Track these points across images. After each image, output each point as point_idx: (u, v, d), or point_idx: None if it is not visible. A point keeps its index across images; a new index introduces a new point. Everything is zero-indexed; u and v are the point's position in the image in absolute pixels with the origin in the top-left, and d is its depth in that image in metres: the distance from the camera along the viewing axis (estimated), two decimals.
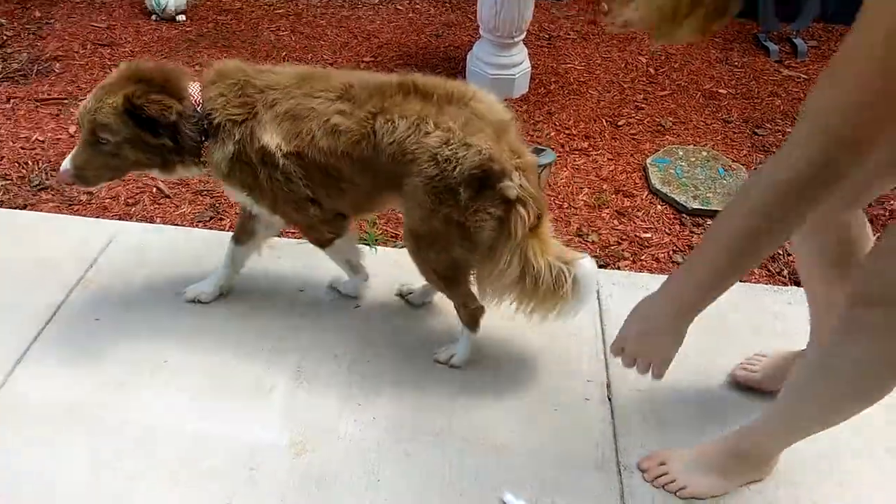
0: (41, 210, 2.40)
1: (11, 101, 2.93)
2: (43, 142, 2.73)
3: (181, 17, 3.60)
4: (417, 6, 3.90)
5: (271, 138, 1.66)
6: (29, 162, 2.62)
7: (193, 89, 1.70)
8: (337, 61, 3.34)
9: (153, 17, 3.60)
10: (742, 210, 1.16)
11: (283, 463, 1.65)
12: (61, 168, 1.72)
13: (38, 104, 2.94)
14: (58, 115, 2.88)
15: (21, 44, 3.33)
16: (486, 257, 1.71)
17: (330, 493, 1.60)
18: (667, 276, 1.38)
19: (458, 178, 1.58)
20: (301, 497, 1.59)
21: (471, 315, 1.86)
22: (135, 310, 2.01)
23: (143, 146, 1.69)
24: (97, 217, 2.38)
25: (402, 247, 2.14)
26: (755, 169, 2.68)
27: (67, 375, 1.82)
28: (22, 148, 2.69)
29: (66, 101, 2.96)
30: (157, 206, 2.47)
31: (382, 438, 1.72)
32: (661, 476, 1.65)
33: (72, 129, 2.80)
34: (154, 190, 2.53)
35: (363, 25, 3.67)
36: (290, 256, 2.22)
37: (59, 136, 2.76)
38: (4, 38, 3.37)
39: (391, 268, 2.16)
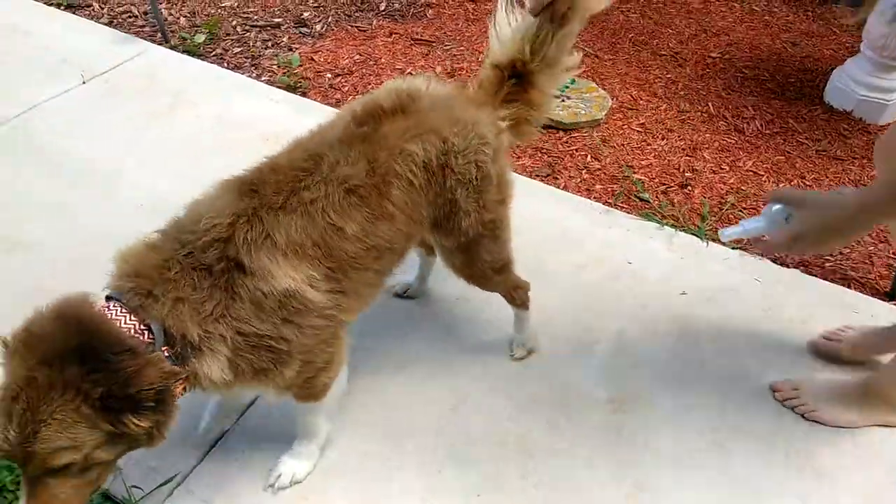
0: None
1: (392, 35, 3.35)
2: (413, 75, 3.10)
3: None
4: (775, 9, 3.69)
5: (293, 274, 1.26)
6: None
7: (122, 322, 1.16)
8: (682, 52, 3.31)
9: None
10: None
11: (599, 415, 1.75)
12: None
13: (413, 42, 3.33)
14: (427, 54, 3.24)
15: None
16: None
17: (639, 456, 1.66)
18: None
19: (487, 162, 1.50)
20: (613, 449, 1.68)
21: (525, 293, 1.81)
22: None
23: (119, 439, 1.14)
24: None
25: None
26: None
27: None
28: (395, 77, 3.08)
29: (433, 44, 3.32)
30: None
31: (699, 423, 1.74)
32: (792, 399, 1.79)
33: (438, 68, 3.13)
34: None
35: (714, 21, 3.57)
36: (621, 227, 2.29)
37: (426, 73, 3.11)
38: None
39: None
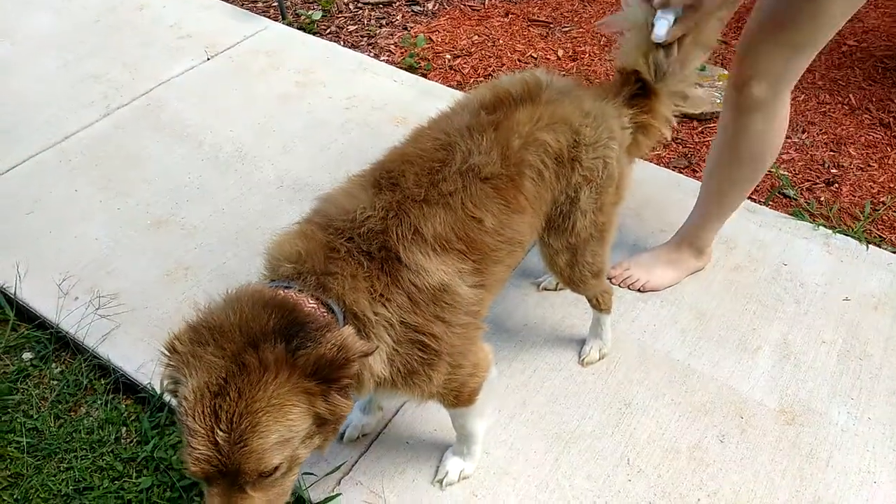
0: None
1: (509, 15, 3.26)
2: (535, 59, 3.01)
3: None
4: None
5: (443, 268, 1.21)
6: None
7: (305, 304, 1.11)
8: None
9: None
10: None
11: (771, 425, 1.68)
12: None
13: (530, 23, 3.23)
14: (546, 36, 3.15)
15: None
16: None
17: (822, 473, 1.59)
18: None
19: (613, 160, 1.44)
20: (791, 464, 1.61)
21: (611, 297, 1.75)
22: (624, 234, 2.15)
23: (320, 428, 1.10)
24: None
25: None
26: None
27: None
28: (518, 60, 3.00)
29: (551, 25, 3.22)
30: None
31: (878, 439, 1.65)
32: (626, 278, 1.99)
33: (560, 52, 3.04)
34: None
35: None
36: (772, 227, 2.19)
37: (549, 57, 3.02)
38: None
39: None
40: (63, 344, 1.86)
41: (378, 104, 2.63)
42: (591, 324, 1.81)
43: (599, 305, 1.74)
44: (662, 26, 1.38)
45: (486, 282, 1.30)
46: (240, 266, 2.00)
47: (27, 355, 1.85)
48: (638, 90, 1.51)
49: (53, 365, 1.83)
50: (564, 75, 1.54)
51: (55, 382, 1.79)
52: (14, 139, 2.43)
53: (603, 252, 1.59)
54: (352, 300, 1.14)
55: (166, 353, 1.04)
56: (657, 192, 2.30)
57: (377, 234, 1.19)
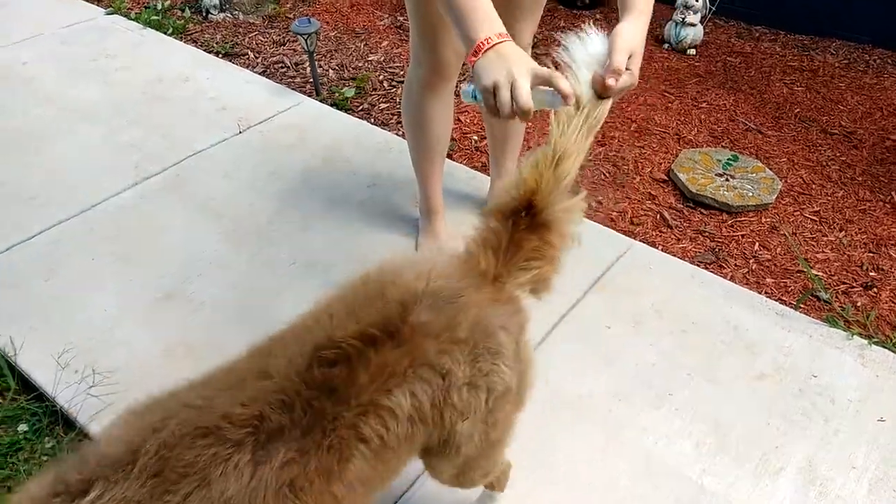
0: None
1: None
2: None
3: (692, 51, 3.64)
4: None
5: None
6: None
7: None
8: (856, 131, 3.03)
9: (665, 45, 3.71)
10: None
11: None
12: None
13: None
14: None
15: (546, 49, 3.71)
16: None
17: None
18: None
19: (503, 381, 1.16)
20: None
21: (507, 476, 1.53)
22: (644, 334, 2.06)
23: None
24: (604, 226, 2.51)
25: None
26: None
27: (580, 368, 1.94)
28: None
29: None
30: (659, 232, 2.52)
31: None
32: None
33: None
34: (658, 217, 2.58)
35: (890, 97, 3.28)
36: (802, 333, 2.06)
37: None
38: None
39: None
40: (58, 417, 1.84)
41: (402, 183, 2.63)
42: (479, 497, 1.58)
43: (493, 487, 1.53)
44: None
45: None
46: (239, 348, 1.97)
47: (22, 427, 1.84)
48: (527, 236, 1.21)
49: (46, 439, 1.81)
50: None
51: (45, 458, 1.77)
52: (41, 205, 2.51)
53: (500, 456, 1.37)
54: None
55: None
56: (679, 290, 2.20)
57: None
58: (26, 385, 1.92)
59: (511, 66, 1.17)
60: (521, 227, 1.19)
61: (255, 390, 0.98)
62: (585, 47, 1.23)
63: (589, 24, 1.27)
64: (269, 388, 0.98)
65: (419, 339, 1.05)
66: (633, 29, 1.26)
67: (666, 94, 3.33)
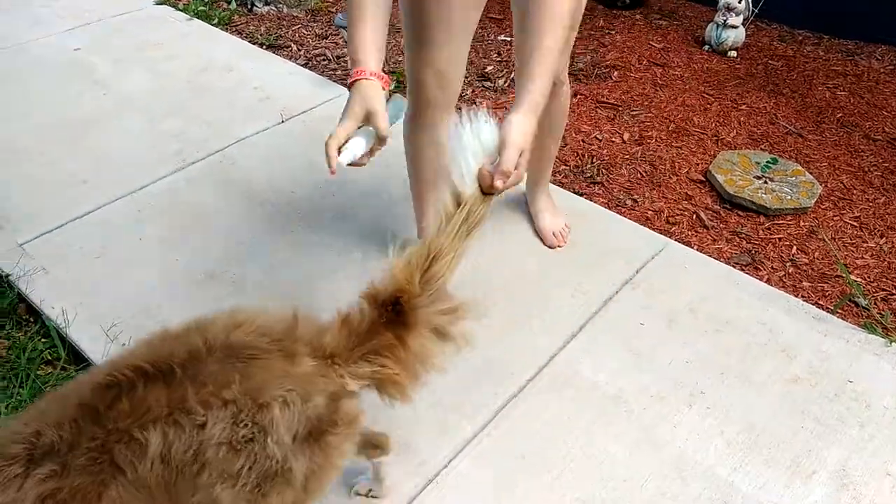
0: (593, 201, 2.63)
1: (577, 96, 3.28)
2: (600, 140, 3.00)
3: (733, 53, 3.61)
4: None
5: None
6: (585, 155, 2.90)
7: None
8: None
9: (705, 47, 3.68)
10: None
11: None
12: None
13: (598, 105, 3.24)
14: (613, 118, 3.14)
15: (585, 47, 3.71)
16: None
17: None
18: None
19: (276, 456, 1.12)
20: None
21: None
22: (678, 333, 2.06)
23: None
24: (640, 224, 2.51)
25: None
26: None
27: (611, 367, 1.96)
28: (582, 141, 2.99)
29: (619, 108, 3.21)
30: (694, 232, 2.52)
31: None
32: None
33: (626, 135, 3.01)
34: (694, 217, 2.58)
35: None
36: (839, 338, 2.04)
37: (613, 140, 3.00)
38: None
39: None
40: None
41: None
42: None
43: None
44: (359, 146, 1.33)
45: None
46: None
47: None
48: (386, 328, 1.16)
49: None
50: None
51: None
52: (92, 187, 2.59)
53: None
54: None
55: None
56: (714, 290, 2.20)
57: None
58: (77, 356, 2.00)
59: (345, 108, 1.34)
60: (382, 320, 1.15)
61: (40, 409, 1.07)
62: (476, 135, 1.19)
63: (483, 108, 1.23)
64: (52, 408, 1.05)
65: (186, 384, 1.05)
66: (527, 123, 1.25)
67: (705, 95, 3.31)
